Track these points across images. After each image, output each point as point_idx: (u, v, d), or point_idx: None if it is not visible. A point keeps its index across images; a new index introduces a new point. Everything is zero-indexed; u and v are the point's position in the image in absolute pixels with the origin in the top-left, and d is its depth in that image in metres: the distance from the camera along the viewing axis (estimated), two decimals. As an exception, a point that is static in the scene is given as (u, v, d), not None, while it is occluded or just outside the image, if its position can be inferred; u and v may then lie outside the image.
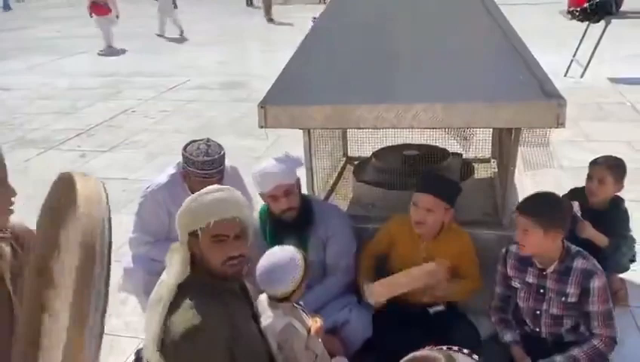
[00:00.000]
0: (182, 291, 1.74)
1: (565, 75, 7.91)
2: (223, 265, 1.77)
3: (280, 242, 2.29)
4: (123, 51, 12.38)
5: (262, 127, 2.57)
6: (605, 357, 2.25)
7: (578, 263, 2.25)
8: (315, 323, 2.19)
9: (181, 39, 13.41)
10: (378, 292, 2.46)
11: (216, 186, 1.84)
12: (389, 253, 2.71)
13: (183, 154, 2.56)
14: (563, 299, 2.27)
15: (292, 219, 2.55)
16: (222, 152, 2.57)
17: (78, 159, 5.86)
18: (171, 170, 2.73)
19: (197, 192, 1.82)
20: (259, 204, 2.86)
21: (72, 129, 6.89)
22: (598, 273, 2.23)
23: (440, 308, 2.60)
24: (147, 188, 2.74)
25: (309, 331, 2.13)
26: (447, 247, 2.55)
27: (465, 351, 1.94)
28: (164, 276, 1.80)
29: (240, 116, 6.79)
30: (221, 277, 1.79)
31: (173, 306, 1.71)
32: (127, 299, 3.18)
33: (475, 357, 1.91)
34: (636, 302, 2.98)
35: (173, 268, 1.77)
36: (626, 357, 2.49)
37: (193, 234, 1.78)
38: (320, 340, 2.17)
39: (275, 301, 2.07)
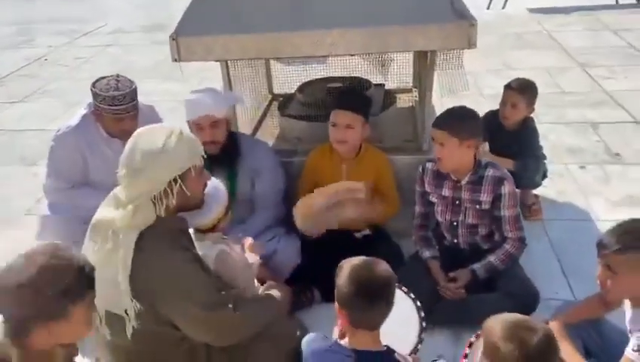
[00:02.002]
0: (141, 242, 1.70)
1: (488, 8, 8.06)
2: (201, 193, 1.88)
3: None
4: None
5: (175, 61, 2.46)
6: (516, 259, 2.42)
7: (489, 172, 2.38)
8: (246, 241, 2.25)
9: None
10: (300, 212, 2.50)
11: (169, 125, 1.83)
12: (316, 183, 2.74)
13: (92, 91, 2.44)
14: (477, 206, 2.41)
15: (216, 152, 2.53)
16: (133, 86, 2.47)
17: (-14, 112, 5.48)
18: (82, 111, 2.60)
19: (168, 132, 1.71)
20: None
21: (-22, 81, 6.39)
22: (508, 179, 2.37)
23: (366, 232, 2.68)
24: (57, 131, 2.60)
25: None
26: (367, 168, 2.61)
27: (404, 289, 2.01)
28: (117, 224, 1.71)
29: (163, 59, 6.48)
30: (182, 211, 1.84)
31: (138, 261, 1.68)
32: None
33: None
34: (548, 215, 3.19)
35: (134, 220, 1.70)
36: (536, 263, 2.68)
37: (181, 176, 1.72)
38: (255, 257, 2.20)
39: (201, 233, 2.06)
